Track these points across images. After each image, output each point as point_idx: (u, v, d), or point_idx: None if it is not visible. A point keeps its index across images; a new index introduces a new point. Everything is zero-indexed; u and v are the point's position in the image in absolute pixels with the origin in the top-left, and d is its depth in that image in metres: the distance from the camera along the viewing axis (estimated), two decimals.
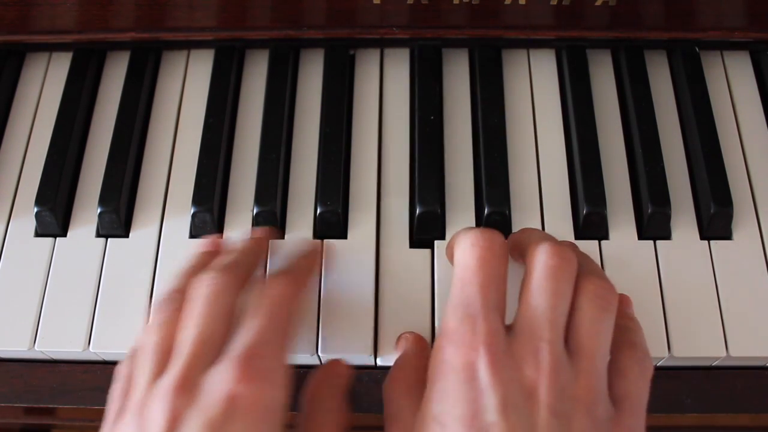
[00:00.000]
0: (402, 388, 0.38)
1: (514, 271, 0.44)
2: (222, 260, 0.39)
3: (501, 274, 0.36)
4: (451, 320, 0.34)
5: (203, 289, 0.36)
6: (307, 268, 0.42)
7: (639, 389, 0.35)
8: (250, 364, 0.32)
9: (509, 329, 0.35)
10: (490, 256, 0.36)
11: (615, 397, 0.34)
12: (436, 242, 0.46)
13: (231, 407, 0.31)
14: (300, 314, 0.39)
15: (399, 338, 0.43)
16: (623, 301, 0.41)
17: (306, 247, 0.44)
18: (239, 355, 0.33)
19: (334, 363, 0.42)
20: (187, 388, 0.32)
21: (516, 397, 0.32)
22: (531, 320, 0.34)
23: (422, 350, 0.41)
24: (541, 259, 0.36)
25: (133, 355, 0.37)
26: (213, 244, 0.42)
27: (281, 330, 0.35)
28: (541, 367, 0.33)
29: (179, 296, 0.37)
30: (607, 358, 0.35)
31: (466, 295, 0.35)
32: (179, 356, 0.34)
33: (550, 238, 0.39)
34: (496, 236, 0.37)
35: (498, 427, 0.31)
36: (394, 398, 0.38)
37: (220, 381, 0.32)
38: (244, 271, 0.39)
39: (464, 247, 0.37)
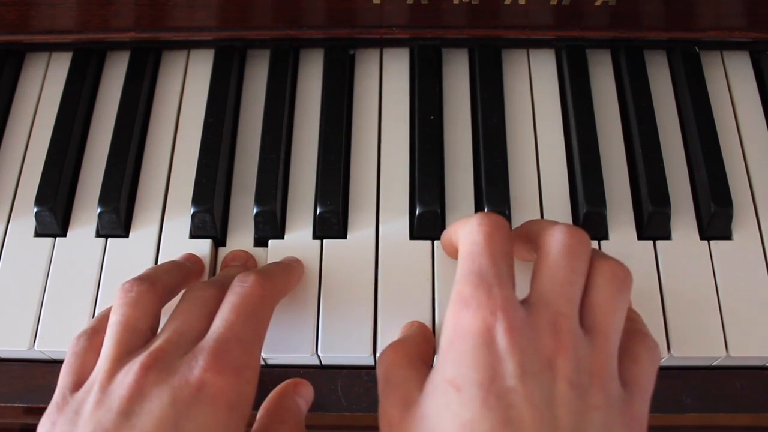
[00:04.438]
0: (403, 360, 0.37)
1: (519, 269, 0.44)
2: (213, 280, 0.41)
3: (509, 250, 0.36)
4: (466, 287, 0.34)
5: (191, 293, 0.38)
6: (281, 272, 0.42)
7: (648, 375, 0.35)
8: (221, 356, 0.34)
9: (524, 302, 0.35)
10: (497, 232, 0.36)
11: (625, 380, 0.34)
12: (435, 242, 0.46)
13: (198, 392, 0.33)
14: (271, 314, 0.39)
15: (404, 325, 0.43)
16: None
17: (289, 259, 0.45)
18: (211, 346, 0.34)
19: (300, 383, 0.42)
20: (157, 367, 0.33)
21: (534, 365, 0.31)
22: (548, 294, 0.34)
23: (427, 335, 0.41)
24: (558, 238, 0.36)
25: (89, 336, 0.38)
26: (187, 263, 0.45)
27: (251, 327, 0.36)
28: (559, 338, 0.32)
29: (148, 280, 0.39)
30: (620, 336, 0.35)
31: (478, 264, 0.34)
32: (156, 340, 0.35)
33: (564, 223, 0.38)
34: (501, 217, 0.37)
35: (516, 393, 0.30)
36: (394, 368, 0.37)
37: (190, 367, 0.33)
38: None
39: (471, 227, 0.36)
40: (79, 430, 0.32)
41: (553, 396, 0.31)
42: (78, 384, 0.35)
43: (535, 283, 0.36)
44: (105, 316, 0.39)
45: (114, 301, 0.38)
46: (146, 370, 0.33)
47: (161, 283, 0.39)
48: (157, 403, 0.32)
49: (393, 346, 0.39)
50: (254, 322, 0.37)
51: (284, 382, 0.42)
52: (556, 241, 0.36)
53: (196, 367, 0.33)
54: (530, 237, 0.39)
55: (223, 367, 0.34)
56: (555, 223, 0.38)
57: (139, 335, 0.36)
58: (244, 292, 0.37)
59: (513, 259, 0.36)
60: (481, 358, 0.32)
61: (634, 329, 0.37)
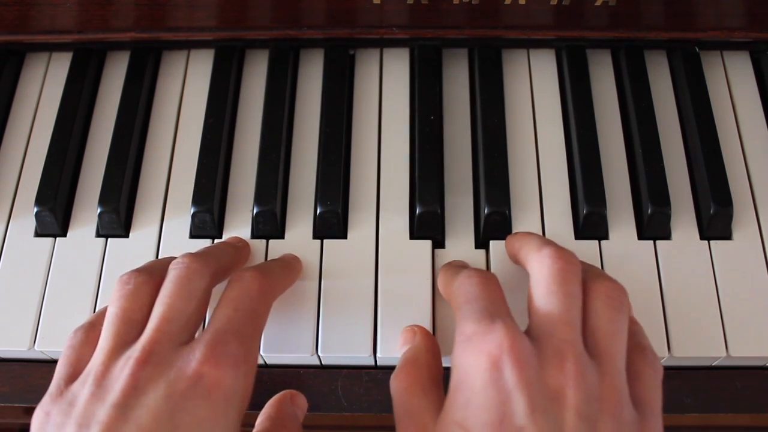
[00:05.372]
0: (417, 387, 0.37)
1: (513, 278, 0.44)
2: (197, 251, 0.40)
3: (502, 298, 0.36)
4: (468, 325, 0.34)
5: (173, 272, 0.37)
6: (280, 269, 0.42)
7: (655, 392, 0.35)
8: (218, 349, 0.34)
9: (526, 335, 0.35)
10: (487, 281, 0.36)
11: (634, 402, 0.34)
12: (435, 251, 0.46)
13: (194, 384, 0.32)
14: (268, 309, 0.39)
15: (405, 330, 0.42)
16: None
17: (288, 256, 0.45)
18: (209, 339, 0.34)
19: (295, 393, 0.42)
20: (153, 361, 0.33)
21: (543, 400, 0.31)
22: (548, 324, 0.34)
23: (432, 345, 0.40)
24: (547, 263, 0.36)
25: (86, 329, 0.38)
26: None
27: (249, 321, 0.36)
28: (566, 368, 0.32)
29: (146, 271, 0.38)
30: (625, 358, 0.35)
31: (475, 304, 0.35)
32: (146, 332, 0.35)
33: (550, 242, 0.38)
34: (489, 274, 0.38)
35: (527, 431, 0.30)
36: (409, 397, 0.36)
37: (187, 359, 0.33)
38: (217, 261, 0.40)
39: (459, 281, 0.37)
40: (72, 421, 0.32)
41: (564, 430, 0.30)
42: (74, 376, 0.35)
43: (532, 314, 0.36)
44: (104, 311, 0.39)
45: (112, 293, 0.38)
46: (142, 364, 0.33)
47: (159, 274, 0.38)
48: (152, 396, 0.32)
49: (406, 371, 0.38)
50: (252, 316, 0.37)
51: (281, 393, 0.42)
52: (546, 266, 0.36)
53: (193, 360, 0.33)
54: (519, 256, 0.40)
55: (220, 359, 0.33)
56: (540, 244, 0.38)
57: (135, 327, 0.36)
58: (242, 287, 0.37)
59: (505, 299, 0.36)
60: (490, 397, 0.31)
61: (631, 345, 0.37)
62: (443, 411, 0.33)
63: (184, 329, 0.36)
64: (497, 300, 0.35)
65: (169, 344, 0.34)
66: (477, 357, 0.32)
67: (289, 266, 0.44)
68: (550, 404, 0.31)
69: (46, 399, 0.35)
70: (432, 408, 0.35)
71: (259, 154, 0.48)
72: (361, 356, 0.43)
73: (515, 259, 0.42)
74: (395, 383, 0.38)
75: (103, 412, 0.32)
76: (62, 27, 0.51)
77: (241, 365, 0.34)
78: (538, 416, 0.30)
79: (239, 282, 0.38)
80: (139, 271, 0.38)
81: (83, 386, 0.34)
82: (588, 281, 0.36)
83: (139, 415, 0.31)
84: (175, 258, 0.39)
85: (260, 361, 0.45)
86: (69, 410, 0.33)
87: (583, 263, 0.38)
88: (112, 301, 0.37)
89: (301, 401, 0.42)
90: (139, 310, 0.36)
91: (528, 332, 0.35)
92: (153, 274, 0.38)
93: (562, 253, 0.36)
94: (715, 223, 0.46)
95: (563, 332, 0.33)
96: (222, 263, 0.40)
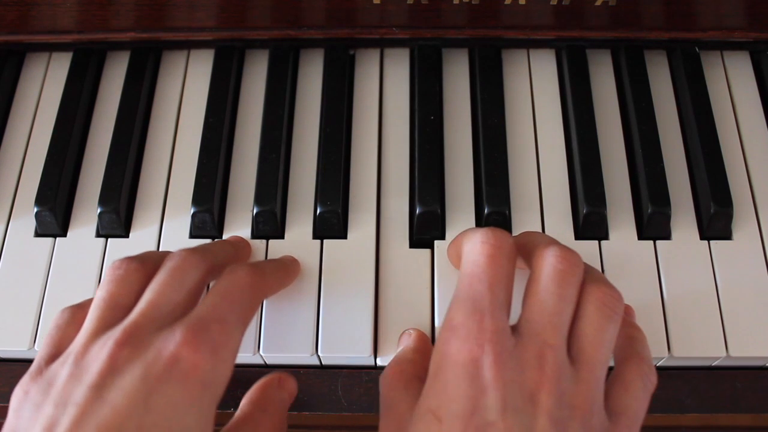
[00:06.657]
0: (399, 381, 0.37)
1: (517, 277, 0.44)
2: (196, 246, 0.40)
3: (509, 274, 0.36)
4: (458, 314, 0.34)
5: (169, 263, 0.37)
6: (274, 268, 0.42)
7: (639, 404, 0.35)
8: (199, 333, 0.33)
9: (513, 330, 0.35)
10: (500, 254, 0.36)
11: (613, 409, 0.34)
12: (435, 242, 0.46)
13: (171, 367, 0.32)
14: (257, 305, 0.39)
15: (402, 334, 0.43)
16: (626, 311, 0.40)
17: (286, 258, 0.45)
18: (190, 323, 0.34)
19: (285, 377, 0.42)
20: (132, 342, 0.33)
21: (516, 400, 0.31)
22: (536, 324, 0.34)
23: (423, 347, 0.41)
24: (550, 262, 0.36)
25: (73, 311, 0.37)
26: None
27: (235, 311, 0.36)
28: (544, 372, 0.32)
29: (138, 259, 0.38)
30: (608, 366, 0.35)
31: (474, 290, 0.35)
32: (130, 315, 0.35)
33: (557, 242, 0.38)
34: (506, 236, 0.37)
35: (495, 427, 0.31)
36: (390, 390, 0.37)
37: (166, 341, 0.33)
38: (214, 257, 0.39)
39: (474, 243, 0.36)
40: (50, 400, 0.32)
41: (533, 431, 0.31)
42: (55, 356, 0.35)
43: (525, 309, 0.36)
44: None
45: (102, 278, 0.37)
46: (120, 345, 0.33)
47: (152, 264, 0.38)
48: (128, 378, 0.32)
49: (390, 366, 0.39)
50: (238, 307, 0.36)
51: (268, 375, 0.42)
52: (548, 265, 0.36)
53: (172, 341, 0.33)
54: (524, 253, 0.39)
55: (200, 343, 0.33)
56: (548, 243, 0.37)
57: (121, 311, 0.35)
58: (232, 279, 0.37)
59: (512, 281, 0.36)
60: (464, 390, 0.32)
61: (630, 353, 0.37)
62: (421, 397, 0.34)
63: (170, 316, 0.35)
64: (498, 284, 0.35)
65: (151, 327, 0.34)
66: (459, 350, 0.33)
67: (285, 267, 0.44)
68: (523, 405, 0.31)
69: (26, 378, 0.34)
70: (411, 400, 0.35)
71: (259, 154, 0.48)
72: (361, 356, 0.43)
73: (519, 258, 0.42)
74: (381, 380, 0.39)
75: (79, 392, 0.31)
76: (62, 27, 0.51)
77: (220, 351, 0.33)
78: (509, 414, 0.31)
79: (230, 274, 0.37)
80: (131, 258, 0.38)
81: (62, 366, 0.33)
82: (586, 283, 0.36)
83: (114, 395, 0.31)
84: (168, 251, 0.39)
85: (260, 361, 0.45)
86: (47, 389, 0.33)
87: (585, 265, 0.38)
88: (101, 285, 0.37)
89: (290, 384, 0.42)
90: (126, 295, 0.36)
91: (517, 326, 0.35)
92: (146, 262, 0.38)
93: (567, 254, 0.36)
94: (715, 223, 0.46)
95: (548, 335, 0.34)
96: (219, 260, 0.40)
